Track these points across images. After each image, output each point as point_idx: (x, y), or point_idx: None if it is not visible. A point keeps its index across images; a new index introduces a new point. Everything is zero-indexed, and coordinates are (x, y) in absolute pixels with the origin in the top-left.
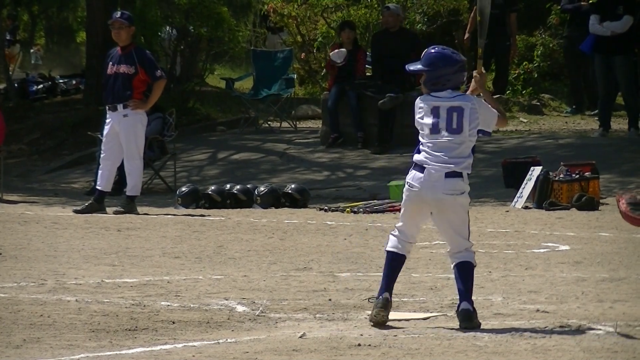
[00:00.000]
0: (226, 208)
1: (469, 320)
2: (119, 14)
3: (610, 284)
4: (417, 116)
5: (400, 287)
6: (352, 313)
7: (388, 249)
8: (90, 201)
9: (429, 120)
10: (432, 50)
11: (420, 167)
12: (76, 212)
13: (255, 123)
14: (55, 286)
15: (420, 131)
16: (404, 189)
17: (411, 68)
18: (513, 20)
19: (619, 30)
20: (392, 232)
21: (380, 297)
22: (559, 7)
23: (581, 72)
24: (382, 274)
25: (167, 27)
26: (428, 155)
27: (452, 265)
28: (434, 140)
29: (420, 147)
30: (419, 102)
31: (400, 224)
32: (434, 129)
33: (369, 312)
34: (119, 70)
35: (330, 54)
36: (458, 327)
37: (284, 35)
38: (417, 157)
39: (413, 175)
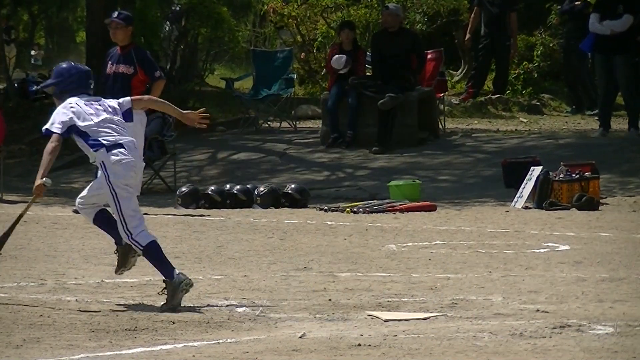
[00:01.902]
0: (226, 208)
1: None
2: (116, 14)
3: (610, 284)
4: (88, 112)
5: (400, 287)
6: (352, 313)
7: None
8: None
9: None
10: (63, 65)
11: (118, 145)
12: (76, 212)
13: (255, 123)
14: (55, 286)
15: (96, 118)
16: (114, 166)
17: (43, 84)
18: (513, 20)
19: (618, 29)
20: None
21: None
22: (559, 7)
23: (578, 72)
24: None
25: (166, 24)
26: (119, 133)
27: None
28: (112, 118)
29: (102, 133)
30: (79, 101)
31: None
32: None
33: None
34: (117, 70)
35: (332, 60)
36: (457, 327)
37: (283, 35)
38: (107, 140)
39: (118, 152)
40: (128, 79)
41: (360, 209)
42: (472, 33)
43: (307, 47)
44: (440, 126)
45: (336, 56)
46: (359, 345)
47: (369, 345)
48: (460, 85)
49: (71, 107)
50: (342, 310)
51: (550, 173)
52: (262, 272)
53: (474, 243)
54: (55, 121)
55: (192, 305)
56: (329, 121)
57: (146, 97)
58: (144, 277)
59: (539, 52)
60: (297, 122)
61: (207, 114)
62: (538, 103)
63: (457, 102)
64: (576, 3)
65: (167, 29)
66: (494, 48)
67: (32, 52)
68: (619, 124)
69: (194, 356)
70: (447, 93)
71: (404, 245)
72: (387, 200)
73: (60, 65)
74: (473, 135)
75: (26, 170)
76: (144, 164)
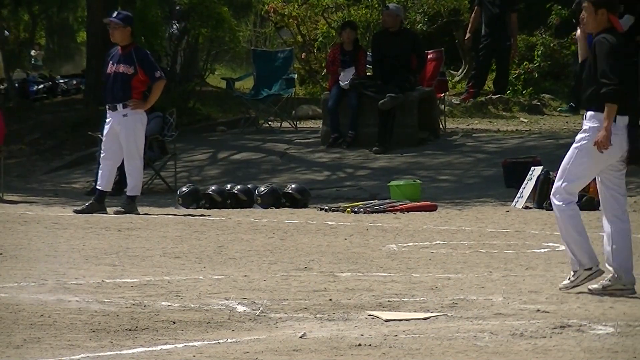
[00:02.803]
0: (227, 208)
1: None
2: (114, 13)
3: None
4: None
5: (401, 287)
6: (352, 313)
7: None
8: (91, 201)
9: None
10: None
11: None
12: (77, 212)
13: (256, 123)
14: (56, 286)
15: None
16: None
17: None
18: (514, 20)
19: None
20: None
21: None
22: (559, 7)
23: None
24: None
25: (172, 23)
26: None
27: None
28: None
29: None
30: None
31: None
32: None
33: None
34: (118, 70)
35: (340, 78)
36: (458, 327)
37: (284, 35)
38: None
39: None
40: (128, 79)
41: (361, 209)
42: (472, 33)
43: (307, 47)
44: (440, 126)
45: (343, 73)
46: (360, 345)
47: (370, 345)
48: (461, 85)
49: None
50: (342, 310)
51: (551, 173)
52: (263, 272)
53: (474, 243)
54: None
55: (192, 306)
56: (330, 121)
57: None
58: (145, 277)
59: (540, 52)
60: (298, 122)
61: None
62: (538, 103)
63: (458, 102)
64: None
65: (171, 29)
66: (494, 48)
67: (32, 52)
68: None
69: (194, 356)
70: (447, 93)
71: (405, 245)
72: (387, 200)
73: None
74: (473, 135)
75: (26, 170)
76: None
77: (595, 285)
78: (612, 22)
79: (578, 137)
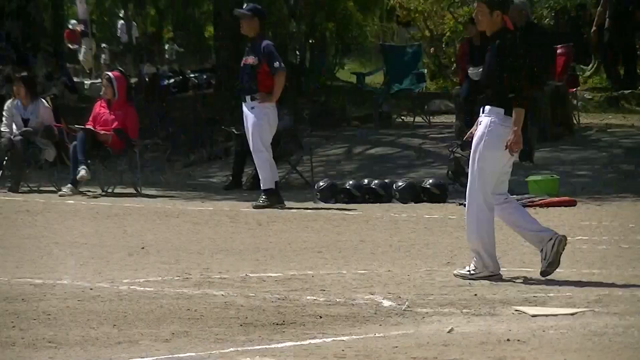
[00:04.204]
0: (365, 203)
1: None
2: (245, 5)
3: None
4: None
5: (545, 282)
6: (498, 308)
7: None
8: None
9: None
10: None
11: None
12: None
13: (389, 118)
14: (200, 280)
15: None
16: None
17: None
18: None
19: None
20: None
21: None
22: None
23: None
24: None
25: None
26: None
27: None
28: None
29: None
30: None
31: None
32: None
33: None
34: (247, 62)
35: (469, 72)
36: (605, 322)
37: (411, 30)
38: None
39: None
40: (254, 71)
41: None
42: (597, 27)
43: (435, 42)
44: (574, 121)
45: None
46: (508, 340)
47: (518, 340)
48: (592, 80)
49: None
50: (488, 305)
51: None
52: (406, 267)
53: (616, 238)
54: None
55: (338, 300)
56: (464, 114)
57: None
58: (288, 271)
59: None
60: (431, 117)
61: None
62: None
63: (590, 97)
64: None
65: (293, 24)
66: (618, 43)
67: (167, 47)
68: None
69: (343, 350)
70: (579, 88)
71: None
72: (526, 195)
73: None
74: (608, 130)
75: (163, 165)
76: None
77: (462, 271)
78: (505, 22)
79: (479, 132)
